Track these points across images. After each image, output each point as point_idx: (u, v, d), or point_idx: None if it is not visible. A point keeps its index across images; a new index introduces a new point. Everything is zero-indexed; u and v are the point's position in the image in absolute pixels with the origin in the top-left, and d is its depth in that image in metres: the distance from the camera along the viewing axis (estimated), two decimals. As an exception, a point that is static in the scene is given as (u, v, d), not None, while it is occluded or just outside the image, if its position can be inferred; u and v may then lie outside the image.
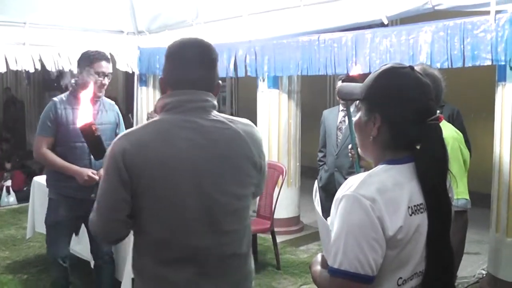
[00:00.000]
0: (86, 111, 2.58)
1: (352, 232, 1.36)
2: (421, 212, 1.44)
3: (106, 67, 3.54)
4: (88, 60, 3.48)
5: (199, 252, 1.76)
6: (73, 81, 3.61)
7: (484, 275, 4.48)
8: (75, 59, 6.25)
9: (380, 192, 1.38)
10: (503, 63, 3.71)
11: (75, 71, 6.33)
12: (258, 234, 5.18)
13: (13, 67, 5.83)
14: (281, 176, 5.17)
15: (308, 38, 5.02)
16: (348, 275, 1.35)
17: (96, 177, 3.37)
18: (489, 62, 3.73)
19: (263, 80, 5.99)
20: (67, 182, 3.44)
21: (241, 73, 5.77)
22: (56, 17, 6.01)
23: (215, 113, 1.84)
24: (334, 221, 1.42)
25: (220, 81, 1.92)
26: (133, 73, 7.20)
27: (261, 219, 5.13)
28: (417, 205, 1.43)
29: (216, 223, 1.77)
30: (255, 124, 6.61)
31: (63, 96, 3.56)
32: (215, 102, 1.86)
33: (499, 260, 4.09)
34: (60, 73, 9.62)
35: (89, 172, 3.40)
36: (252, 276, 1.98)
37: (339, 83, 4.69)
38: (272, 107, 6.01)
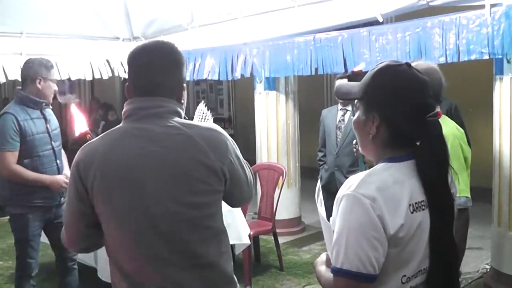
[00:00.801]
0: (81, 120, 2.59)
1: (353, 231, 1.36)
2: (423, 209, 1.43)
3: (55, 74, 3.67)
4: (46, 68, 3.51)
5: (153, 263, 1.71)
6: (19, 88, 3.56)
7: (488, 270, 4.47)
8: (73, 67, 6.32)
9: (380, 191, 1.38)
10: (500, 56, 3.71)
11: (72, 78, 6.41)
12: (260, 236, 5.18)
13: (10, 77, 5.82)
14: (281, 177, 5.17)
15: (303, 38, 5.02)
16: (350, 275, 1.35)
17: (65, 180, 3.43)
18: (486, 56, 3.72)
19: (260, 82, 6.00)
20: (36, 193, 3.44)
21: (237, 75, 5.77)
22: (52, 26, 6.01)
23: (175, 119, 1.76)
24: (336, 220, 1.42)
25: (185, 84, 1.84)
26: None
27: (263, 220, 5.13)
28: (418, 202, 1.43)
29: (168, 233, 1.69)
30: (253, 125, 6.62)
31: (15, 107, 3.47)
32: (176, 108, 1.79)
33: (502, 255, 4.08)
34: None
35: (63, 178, 3.44)
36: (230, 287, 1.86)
37: (337, 82, 4.69)
38: (270, 108, 6.01)
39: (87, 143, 1.79)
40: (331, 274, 1.42)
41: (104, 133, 1.80)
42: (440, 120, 1.50)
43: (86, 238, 1.80)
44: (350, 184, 1.42)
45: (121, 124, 1.79)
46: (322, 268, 1.56)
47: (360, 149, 1.62)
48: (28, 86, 3.49)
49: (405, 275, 1.42)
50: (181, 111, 1.80)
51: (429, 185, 1.44)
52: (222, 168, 1.74)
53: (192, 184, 1.70)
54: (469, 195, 3.10)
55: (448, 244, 1.47)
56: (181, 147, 1.71)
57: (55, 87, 3.58)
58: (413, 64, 1.54)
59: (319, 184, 1.75)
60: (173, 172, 1.69)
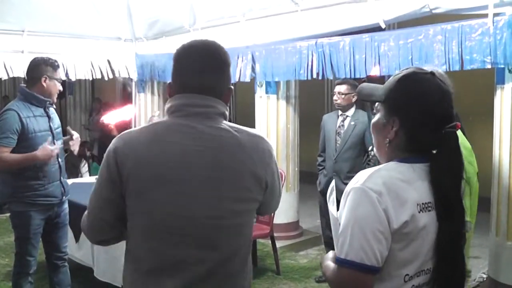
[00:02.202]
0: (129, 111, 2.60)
1: (358, 223, 1.40)
2: (429, 210, 1.46)
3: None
4: (52, 67, 3.53)
5: (179, 265, 1.65)
6: (23, 85, 3.57)
7: (485, 279, 4.47)
8: (74, 66, 6.33)
9: (387, 186, 1.41)
10: (501, 66, 3.71)
11: (73, 78, 6.41)
12: (257, 239, 5.17)
13: (11, 74, 5.83)
14: (280, 181, 5.15)
15: (305, 43, 5.02)
16: (353, 265, 1.38)
17: (55, 147, 3.44)
18: (488, 65, 3.72)
19: (261, 85, 5.99)
20: (38, 190, 3.45)
21: (239, 79, 5.76)
22: (54, 25, 6.03)
23: (222, 121, 1.71)
24: (342, 213, 1.46)
25: (231, 87, 1.79)
26: (131, 79, 7.20)
27: (261, 224, 5.11)
28: (426, 203, 1.46)
29: (202, 237, 1.64)
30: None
31: (18, 104, 3.47)
32: (224, 110, 1.73)
33: (500, 264, 4.08)
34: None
35: (49, 149, 3.39)
36: None
37: (337, 88, 4.69)
38: (270, 112, 6.01)
39: (125, 131, 1.72)
40: (335, 266, 1.46)
41: (146, 125, 1.77)
42: None
43: (110, 229, 1.73)
44: (358, 179, 1.45)
45: (165, 119, 1.74)
46: (328, 263, 1.58)
47: (374, 150, 1.64)
48: (34, 84, 3.50)
49: (407, 274, 1.45)
50: (227, 113, 1.75)
51: (442, 192, 1.47)
52: (266, 177, 1.72)
53: (237, 189, 1.66)
54: (469, 219, 3.06)
55: (457, 252, 1.49)
56: (230, 150, 1.66)
57: (60, 87, 3.59)
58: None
59: (333, 183, 1.77)
60: (218, 174, 1.64)
